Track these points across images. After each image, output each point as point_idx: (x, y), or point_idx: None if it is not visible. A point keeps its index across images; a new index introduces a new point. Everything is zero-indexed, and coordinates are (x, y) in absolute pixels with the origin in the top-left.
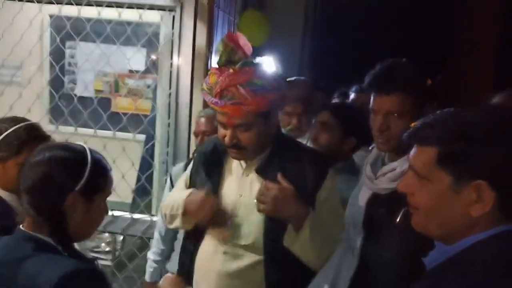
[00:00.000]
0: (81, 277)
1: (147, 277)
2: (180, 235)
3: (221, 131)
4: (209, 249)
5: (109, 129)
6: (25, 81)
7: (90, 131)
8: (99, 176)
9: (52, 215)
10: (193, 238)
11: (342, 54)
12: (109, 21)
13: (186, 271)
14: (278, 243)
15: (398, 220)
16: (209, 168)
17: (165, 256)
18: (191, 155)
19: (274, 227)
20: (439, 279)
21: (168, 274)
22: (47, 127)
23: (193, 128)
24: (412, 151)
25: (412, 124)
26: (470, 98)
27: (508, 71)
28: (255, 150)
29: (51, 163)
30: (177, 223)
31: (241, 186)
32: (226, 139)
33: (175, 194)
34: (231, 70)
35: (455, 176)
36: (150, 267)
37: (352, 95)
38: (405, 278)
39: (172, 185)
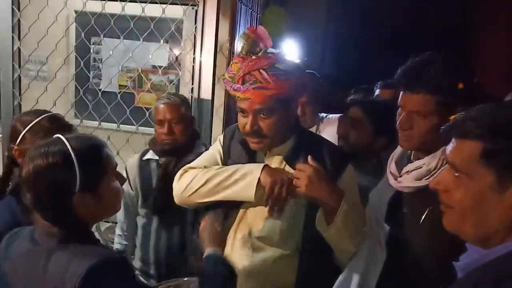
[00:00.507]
0: (108, 267)
1: None
2: (139, 230)
3: (242, 120)
4: (233, 242)
5: (132, 124)
6: (50, 75)
7: (113, 125)
8: (93, 163)
9: (64, 220)
10: None
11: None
12: (133, 17)
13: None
14: (298, 232)
15: (422, 220)
16: (241, 157)
17: (130, 252)
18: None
19: (295, 216)
20: (479, 284)
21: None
22: (72, 121)
23: (216, 123)
24: (451, 146)
25: (452, 117)
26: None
27: None
28: (275, 139)
29: (38, 180)
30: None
31: None
32: (247, 125)
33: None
34: (253, 57)
35: (499, 174)
36: None
37: (377, 91)
38: (431, 280)
39: (128, 179)
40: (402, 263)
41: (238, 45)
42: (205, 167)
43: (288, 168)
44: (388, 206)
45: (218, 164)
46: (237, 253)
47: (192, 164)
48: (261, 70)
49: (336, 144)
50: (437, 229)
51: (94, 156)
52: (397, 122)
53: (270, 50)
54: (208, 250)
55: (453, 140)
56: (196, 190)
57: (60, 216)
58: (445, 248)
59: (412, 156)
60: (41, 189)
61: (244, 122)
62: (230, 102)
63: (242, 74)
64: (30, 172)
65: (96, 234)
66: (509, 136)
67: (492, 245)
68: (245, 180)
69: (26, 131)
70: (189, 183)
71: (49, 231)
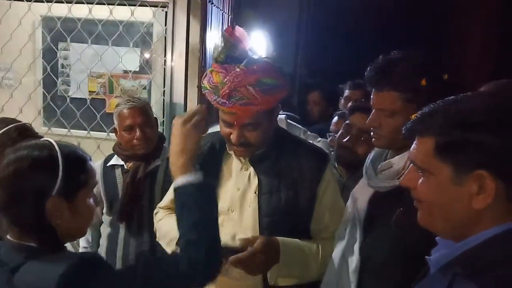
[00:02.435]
0: (83, 269)
1: None
2: (103, 240)
3: (226, 130)
4: None
5: (102, 130)
6: (16, 82)
7: (83, 132)
8: (76, 171)
9: (35, 226)
10: None
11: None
12: (101, 21)
13: None
14: (273, 236)
15: (394, 219)
16: (207, 166)
17: (95, 249)
18: None
19: (269, 221)
20: (460, 276)
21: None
22: (40, 129)
23: None
24: (413, 144)
25: (413, 116)
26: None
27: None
28: (260, 146)
29: (18, 175)
30: None
31: (239, 180)
32: (234, 138)
33: (170, 225)
34: (237, 69)
35: (455, 166)
36: None
37: (346, 92)
38: (403, 277)
39: None
40: (374, 267)
41: (211, 48)
42: (167, 208)
43: (249, 171)
44: (368, 205)
45: None
46: None
47: (160, 204)
48: (248, 86)
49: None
50: (408, 229)
51: (80, 163)
52: (367, 121)
53: (254, 58)
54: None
55: (415, 138)
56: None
57: (29, 219)
58: (416, 247)
59: (388, 155)
60: (19, 186)
61: (228, 132)
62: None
63: (228, 90)
64: (9, 168)
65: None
66: (459, 129)
67: (462, 237)
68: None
69: None
70: (155, 230)
71: (17, 245)
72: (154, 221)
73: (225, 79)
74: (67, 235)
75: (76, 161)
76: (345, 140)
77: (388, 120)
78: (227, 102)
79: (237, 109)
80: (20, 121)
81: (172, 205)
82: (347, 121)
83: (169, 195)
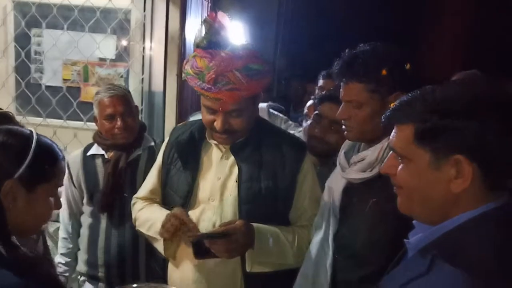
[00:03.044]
0: None
1: None
2: (84, 231)
3: (208, 117)
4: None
5: (78, 119)
6: None
7: (59, 121)
8: (44, 164)
9: None
10: None
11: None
12: (77, 6)
13: (161, 259)
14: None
15: (367, 209)
16: (186, 157)
17: (74, 255)
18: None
19: (249, 209)
20: (438, 259)
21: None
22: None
23: (169, 114)
24: (392, 132)
25: (392, 105)
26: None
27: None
28: (242, 134)
29: None
30: (159, 248)
31: (219, 170)
32: (218, 125)
33: (151, 212)
34: (223, 54)
35: (433, 152)
36: (63, 272)
37: (320, 82)
38: (378, 264)
39: (70, 174)
40: (352, 253)
41: (191, 34)
42: (145, 199)
43: (230, 160)
44: (342, 195)
45: (157, 187)
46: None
47: (137, 194)
48: (234, 71)
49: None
50: (381, 220)
51: (52, 158)
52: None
53: (240, 43)
54: None
55: (394, 126)
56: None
57: None
58: (388, 237)
59: (361, 148)
60: None
61: (211, 119)
62: (183, 94)
63: (214, 75)
64: None
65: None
66: (437, 116)
67: (440, 221)
68: (156, 242)
69: None
70: (134, 221)
71: None
72: (132, 211)
73: (211, 64)
74: (17, 228)
75: (48, 154)
76: (315, 130)
77: (356, 112)
78: (212, 88)
79: (223, 95)
80: (1, 109)
81: (151, 196)
82: (316, 111)
83: (148, 185)
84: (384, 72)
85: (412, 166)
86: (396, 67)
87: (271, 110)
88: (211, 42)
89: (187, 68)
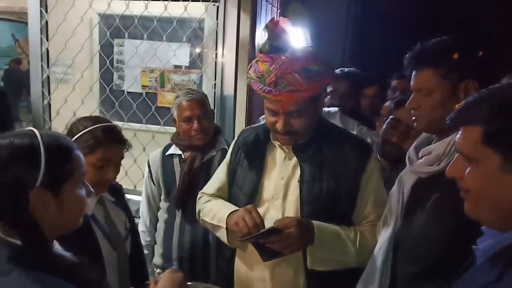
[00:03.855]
0: None
1: None
2: (161, 225)
3: (271, 118)
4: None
5: (156, 122)
6: (76, 76)
7: (138, 125)
8: (60, 161)
9: (18, 221)
10: None
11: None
12: (155, 17)
13: (227, 258)
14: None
15: (429, 205)
16: (252, 157)
17: (151, 248)
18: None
19: (311, 209)
20: (507, 267)
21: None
22: None
23: (239, 118)
24: (458, 134)
25: (457, 106)
26: None
27: None
28: (304, 134)
29: None
30: (223, 238)
31: (282, 170)
32: (280, 126)
33: (216, 203)
34: (283, 57)
35: (503, 154)
36: None
37: (393, 82)
38: (436, 263)
39: (150, 172)
40: (410, 249)
41: (260, 40)
42: (211, 195)
43: (293, 161)
44: (411, 190)
45: (224, 185)
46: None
47: (204, 190)
48: (293, 73)
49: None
50: (441, 216)
51: (65, 152)
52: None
53: (298, 46)
54: None
55: (460, 128)
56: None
57: (10, 213)
58: (449, 234)
59: (433, 141)
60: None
61: (273, 120)
62: (252, 97)
63: (274, 78)
64: None
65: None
66: (505, 116)
67: (510, 227)
68: (219, 230)
69: (77, 138)
70: (198, 213)
71: (2, 242)
72: (197, 204)
73: (271, 67)
74: (56, 230)
75: (60, 151)
76: (392, 135)
77: (426, 100)
78: (273, 90)
79: (283, 97)
80: (110, 122)
81: (217, 193)
82: (392, 116)
83: (215, 182)
84: (455, 56)
85: (480, 169)
86: (468, 53)
87: (343, 114)
88: (273, 46)
89: (250, 72)
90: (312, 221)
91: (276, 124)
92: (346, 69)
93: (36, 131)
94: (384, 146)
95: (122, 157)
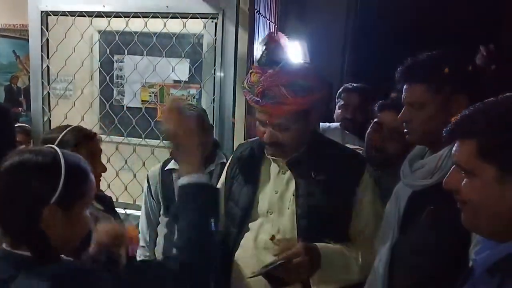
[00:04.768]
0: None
1: None
2: (160, 240)
3: (260, 128)
4: (249, 244)
5: (156, 138)
6: (76, 93)
7: (138, 139)
8: (77, 183)
9: (29, 234)
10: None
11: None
12: (155, 33)
13: (223, 268)
14: (311, 239)
15: (423, 217)
16: (247, 171)
17: (152, 249)
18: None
19: (307, 224)
20: (506, 277)
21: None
22: None
23: (238, 133)
24: (455, 147)
25: (453, 119)
26: None
27: None
28: (293, 148)
29: (15, 177)
30: None
31: (277, 184)
32: (266, 136)
33: None
34: (271, 70)
35: (499, 166)
36: None
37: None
38: (431, 276)
39: (149, 187)
40: (405, 263)
41: (258, 54)
42: None
43: (287, 175)
44: (407, 203)
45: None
46: (252, 253)
47: None
48: (280, 86)
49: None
50: (437, 228)
51: (82, 175)
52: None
53: (290, 61)
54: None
55: (456, 140)
56: None
57: (26, 226)
58: (446, 246)
59: (426, 155)
60: (18, 190)
61: (262, 131)
62: (251, 112)
63: (261, 89)
64: (11, 171)
65: None
66: (500, 130)
67: (507, 238)
68: None
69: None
70: None
71: (10, 254)
72: None
73: (261, 79)
74: (61, 245)
75: (78, 172)
76: (374, 139)
77: (419, 114)
78: (260, 101)
79: (269, 108)
80: (71, 125)
81: None
82: (375, 120)
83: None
84: (446, 70)
85: (477, 181)
86: (459, 67)
87: (345, 131)
88: (269, 60)
89: (244, 83)
90: (316, 244)
91: (264, 135)
92: (355, 84)
93: (58, 150)
94: (369, 151)
95: (101, 150)
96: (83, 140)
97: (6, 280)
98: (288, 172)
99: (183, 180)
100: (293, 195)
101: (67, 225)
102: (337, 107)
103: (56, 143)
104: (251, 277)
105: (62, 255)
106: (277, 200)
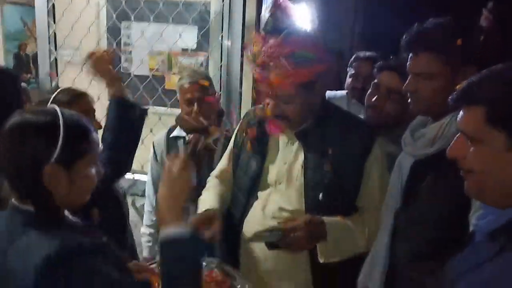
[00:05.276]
0: (71, 256)
1: (145, 253)
2: None
3: (266, 100)
4: (257, 213)
5: (163, 105)
6: (83, 59)
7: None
8: (77, 140)
9: (32, 191)
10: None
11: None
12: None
13: (231, 239)
14: (318, 210)
15: (423, 185)
16: (255, 140)
17: (157, 227)
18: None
19: (315, 196)
20: (508, 243)
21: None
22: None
23: (245, 101)
24: (460, 114)
25: (458, 86)
26: None
27: None
28: (298, 121)
29: (17, 136)
30: None
31: (285, 155)
32: (269, 109)
33: (206, 195)
34: (273, 41)
35: (509, 133)
36: (147, 242)
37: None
38: (433, 244)
39: (155, 155)
40: (408, 231)
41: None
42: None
43: (295, 146)
44: (410, 172)
45: (229, 167)
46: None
47: (213, 173)
48: (281, 58)
49: (363, 114)
50: (438, 196)
51: (82, 132)
52: (403, 86)
53: (294, 30)
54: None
55: (462, 108)
56: None
57: (25, 183)
58: (446, 214)
59: (428, 124)
60: (19, 149)
61: (266, 103)
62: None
63: (262, 60)
64: (12, 131)
65: (132, 211)
66: (510, 96)
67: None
68: None
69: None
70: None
71: (17, 209)
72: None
73: (262, 49)
74: (66, 203)
75: (78, 130)
76: (373, 99)
77: (425, 84)
78: (261, 72)
79: (270, 80)
80: (80, 89)
81: (222, 175)
82: (375, 80)
83: (220, 165)
84: (459, 42)
85: (485, 149)
86: (471, 39)
87: (353, 101)
88: (272, 27)
89: (248, 52)
90: (324, 218)
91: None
92: (367, 53)
93: (58, 109)
94: (367, 111)
95: (94, 110)
96: (75, 99)
97: (10, 234)
98: (297, 143)
99: (174, 233)
100: (302, 167)
101: (70, 182)
102: (348, 75)
103: (49, 103)
104: (251, 240)
105: (66, 214)
106: (285, 171)
